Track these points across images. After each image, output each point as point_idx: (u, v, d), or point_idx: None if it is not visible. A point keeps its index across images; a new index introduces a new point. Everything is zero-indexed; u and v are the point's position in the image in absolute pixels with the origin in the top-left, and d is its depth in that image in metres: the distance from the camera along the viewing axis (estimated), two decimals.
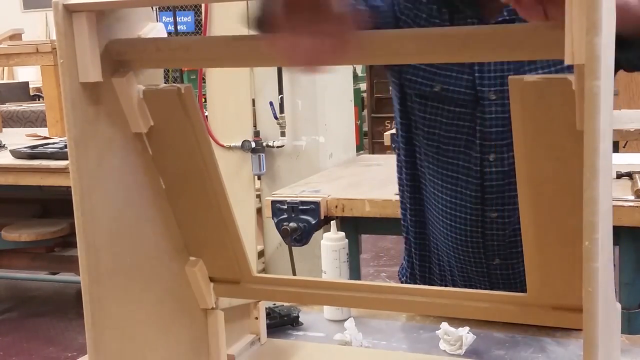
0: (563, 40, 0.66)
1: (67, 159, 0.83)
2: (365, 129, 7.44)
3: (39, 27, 8.05)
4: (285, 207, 2.21)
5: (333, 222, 1.38)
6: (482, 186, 1.29)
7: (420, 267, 1.45)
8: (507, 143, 1.26)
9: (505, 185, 1.28)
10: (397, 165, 1.43)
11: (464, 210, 1.33)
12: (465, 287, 1.39)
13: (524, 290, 0.91)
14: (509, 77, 0.75)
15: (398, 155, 1.42)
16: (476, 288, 1.38)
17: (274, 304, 1.31)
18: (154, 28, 0.94)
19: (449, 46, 0.75)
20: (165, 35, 0.96)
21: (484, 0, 1.24)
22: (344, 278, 1.32)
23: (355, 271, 2.29)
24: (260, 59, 0.85)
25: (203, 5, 3.57)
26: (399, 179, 1.43)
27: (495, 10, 1.22)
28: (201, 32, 3.71)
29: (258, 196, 3.55)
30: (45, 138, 3.43)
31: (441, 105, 1.29)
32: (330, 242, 1.34)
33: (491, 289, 1.35)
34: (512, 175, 1.25)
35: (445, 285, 1.42)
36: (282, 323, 1.30)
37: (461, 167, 1.30)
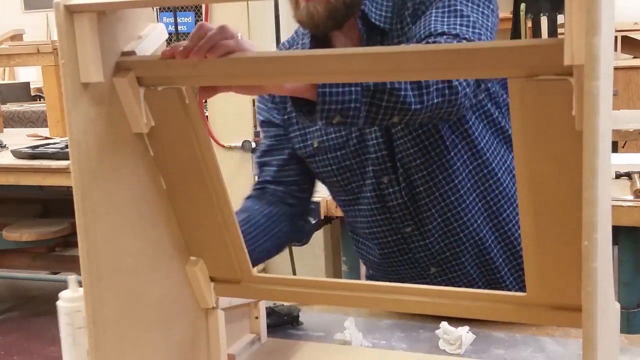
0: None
1: (68, 159, 0.84)
2: None
3: (40, 27, 8.04)
4: None
5: (71, 278, 1.10)
6: (387, 207, 1.32)
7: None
8: (392, 165, 1.28)
9: (408, 201, 1.30)
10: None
11: (383, 230, 1.35)
12: None
13: None
14: (509, 78, 0.76)
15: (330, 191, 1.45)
16: None
17: (274, 304, 1.31)
18: (155, 29, 0.94)
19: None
20: (167, 35, 0.96)
21: (337, 44, 1.27)
22: None
23: (355, 271, 2.29)
24: (267, 76, 0.86)
25: (203, 6, 3.57)
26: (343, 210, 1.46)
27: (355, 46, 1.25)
28: None
29: None
30: (46, 138, 3.42)
31: (323, 156, 1.33)
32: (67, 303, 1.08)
33: None
34: (413, 189, 1.29)
35: None
36: (282, 322, 1.30)
37: (363, 196, 1.33)
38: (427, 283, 1.37)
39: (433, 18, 1.13)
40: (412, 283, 1.38)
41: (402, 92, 0.99)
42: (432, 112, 1.03)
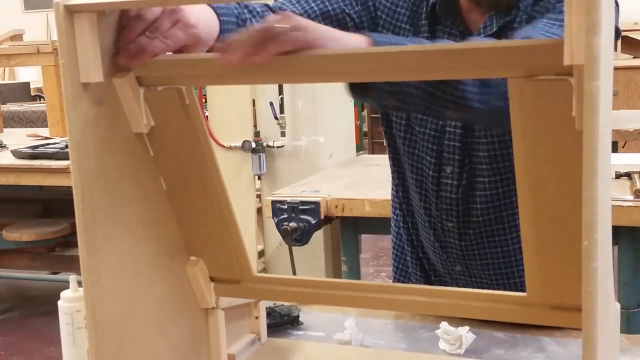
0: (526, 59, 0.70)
1: (68, 159, 0.84)
2: (365, 129, 7.43)
3: (40, 27, 8.05)
4: (286, 207, 2.21)
5: (72, 277, 1.11)
6: (438, 195, 1.31)
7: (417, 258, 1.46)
8: (461, 159, 1.27)
9: (460, 199, 1.29)
10: (389, 161, 1.43)
11: (428, 214, 1.35)
12: (440, 284, 1.42)
13: None
14: (509, 78, 0.76)
15: (387, 151, 1.42)
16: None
17: (274, 304, 1.31)
18: None
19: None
20: None
21: (465, 10, 1.23)
22: None
23: (355, 271, 2.29)
24: (268, 75, 0.85)
25: None
26: (392, 176, 1.43)
27: (478, 20, 1.22)
28: None
29: (258, 196, 3.55)
30: (46, 138, 3.43)
31: (398, 113, 1.30)
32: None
33: None
34: (468, 189, 1.28)
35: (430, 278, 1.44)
36: (282, 322, 1.30)
37: (424, 171, 1.32)
38: (449, 273, 1.38)
39: (537, 24, 1.07)
40: (439, 270, 1.40)
41: (464, 87, 0.95)
42: (491, 116, 0.99)
